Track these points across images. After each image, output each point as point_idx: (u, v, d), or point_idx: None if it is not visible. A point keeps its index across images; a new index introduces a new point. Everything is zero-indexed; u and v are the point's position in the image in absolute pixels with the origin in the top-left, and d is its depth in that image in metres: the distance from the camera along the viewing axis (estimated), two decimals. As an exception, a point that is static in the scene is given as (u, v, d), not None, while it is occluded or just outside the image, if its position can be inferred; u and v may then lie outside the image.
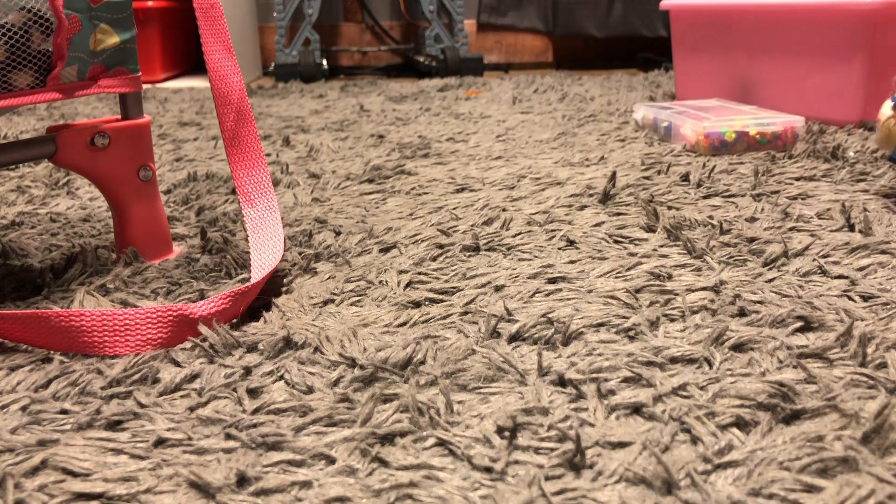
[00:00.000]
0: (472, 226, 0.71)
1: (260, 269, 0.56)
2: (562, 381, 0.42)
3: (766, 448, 0.35)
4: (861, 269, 0.57)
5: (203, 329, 0.48)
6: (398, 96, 1.63)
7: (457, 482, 0.34)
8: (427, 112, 1.41)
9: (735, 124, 0.99)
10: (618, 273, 0.58)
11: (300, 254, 0.65)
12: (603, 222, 0.70)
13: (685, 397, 0.40)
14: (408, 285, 0.57)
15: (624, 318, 0.50)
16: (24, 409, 0.41)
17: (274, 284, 0.58)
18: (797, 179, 0.84)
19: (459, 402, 0.40)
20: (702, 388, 0.40)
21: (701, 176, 0.86)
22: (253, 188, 0.61)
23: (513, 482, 0.33)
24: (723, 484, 0.33)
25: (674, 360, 0.44)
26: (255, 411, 0.40)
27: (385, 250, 0.66)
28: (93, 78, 0.55)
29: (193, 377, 0.44)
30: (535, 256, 0.63)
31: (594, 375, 0.42)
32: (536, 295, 0.54)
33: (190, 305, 0.49)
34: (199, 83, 1.92)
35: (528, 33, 2.31)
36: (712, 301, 0.52)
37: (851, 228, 0.66)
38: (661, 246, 0.64)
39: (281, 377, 0.44)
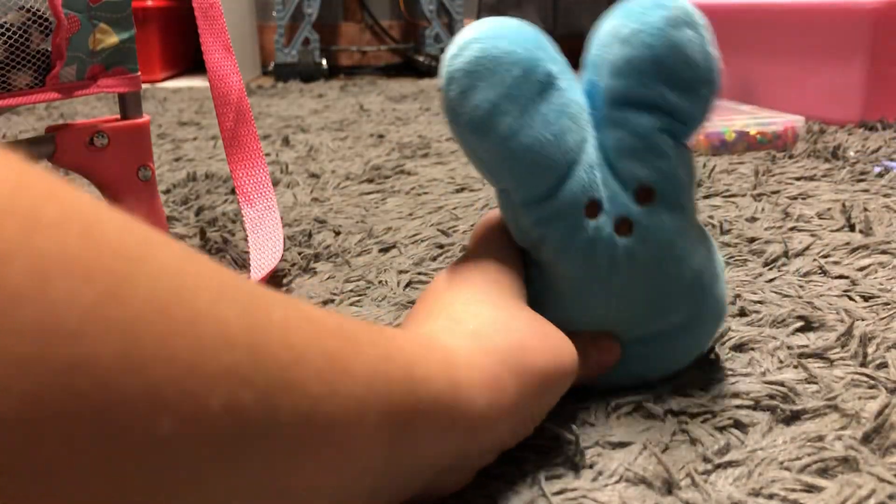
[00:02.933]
0: (472, 226, 0.71)
1: (259, 269, 0.56)
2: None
3: (767, 448, 0.35)
4: (861, 268, 0.57)
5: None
6: (398, 96, 1.63)
7: (456, 482, 0.33)
8: (427, 112, 1.40)
9: (735, 124, 0.99)
10: (618, 273, 0.58)
11: (300, 254, 0.65)
12: (603, 222, 0.70)
13: (685, 396, 0.40)
14: (408, 285, 0.57)
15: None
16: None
17: (273, 284, 0.58)
18: (797, 179, 0.84)
19: (459, 403, 0.40)
20: (702, 389, 0.40)
21: (701, 176, 0.86)
22: (252, 188, 0.61)
23: (513, 481, 0.33)
24: (723, 484, 0.33)
25: (674, 360, 0.44)
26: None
27: (385, 250, 0.66)
28: (92, 77, 0.55)
29: (193, 377, 0.44)
30: (535, 256, 0.62)
31: (594, 375, 0.42)
32: (536, 295, 0.54)
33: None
34: (198, 83, 1.92)
35: (527, 33, 2.31)
36: (712, 301, 0.52)
37: (852, 228, 0.66)
38: (661, 246, 0.64)
39: (280, 377, 0.43)
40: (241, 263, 0.62)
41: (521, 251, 0.39)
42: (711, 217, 0.70)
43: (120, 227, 0.19)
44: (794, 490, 0.32)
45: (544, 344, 0.33)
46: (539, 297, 0.38)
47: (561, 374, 0.34)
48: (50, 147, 0.56)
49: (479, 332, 0.32)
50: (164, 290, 0.19)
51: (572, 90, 0.36)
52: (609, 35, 0.36)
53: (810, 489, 0.32)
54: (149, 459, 0.18)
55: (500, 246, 0.39)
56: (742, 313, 0.50)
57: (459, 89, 0.34)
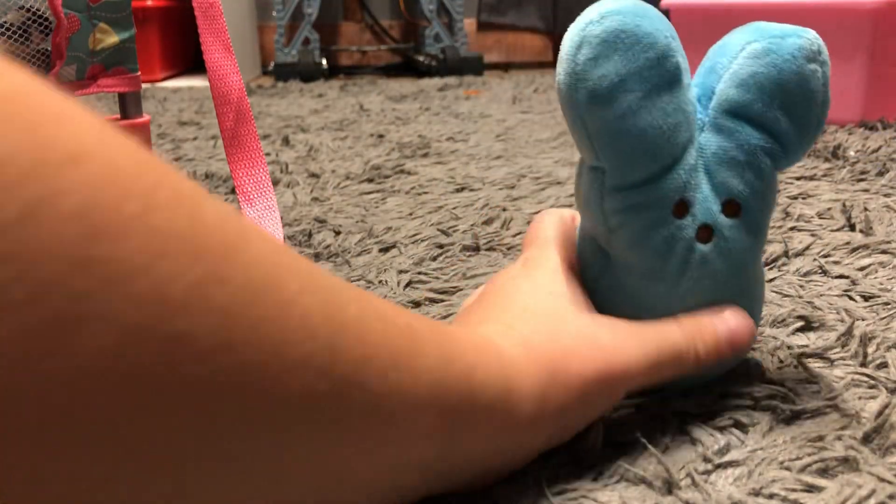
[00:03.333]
0: (472, 225, 0.71)
1: (259, 268, 0.55)
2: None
3: (767, 448, 0.35)
4: (862, 268, 0.57)
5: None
6: (398, 96, 1.63)
7: (457, 482, 0.33)
8: (427, 111, 1.40)
9: (735, 123, 0.99)
10: (618, 272, 0.58)
11: (300, 253, 0.64)
12: (603, 222, 0.70)
13: (686, 396, 0.39)
14: (408, 285, 0.57)
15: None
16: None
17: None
18: (797, 179, 0.84)
19: (459, 402, 0.40)
20: (702, 388, 0.40)
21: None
22: (252, 187, 0.61)
23: (513, 480, 0.33)
24: (723, 484, 0.33)
25: (674, 360, 0.44)
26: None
27: (385, 250, 0.66)
28: (92, 77, 0.55)
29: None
30: (535, 256, 0.62)
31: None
32: (536, 294, 0.54)
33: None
34: (198, 82, 1.92)
35: (528, 32, 2.31)
36: (713, 301, 0.52)
37: (852, 228, 0.66)
38: (662, 245, 0.64)
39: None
40: (241, 263, 0.61)
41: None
42: (711, 217, 0.70)
43: (221, 214, 0.20)
44: (794, 490, 0.32)
45: (593, 352, 0.33)
46: (603, 292, 0.38)
47: (611, 380, 0.33)
48: (50, 147, 0.56)
49: (530, 341, 0.32)
50: (258, 277, 0.20)
51: (691, 90, 0.37)
52: (738, 47, 0.37)
53: (810, 489, 0.32)
54: (235, 433, 0.19)
55: (561, 248, 0.39)
56: (742, 313, 0.50)
57: (591, 55, 0.33)
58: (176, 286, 0.18)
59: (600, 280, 0.38)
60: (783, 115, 0.36)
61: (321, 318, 0.22)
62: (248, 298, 0.19)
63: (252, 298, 0.19)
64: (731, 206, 0.36)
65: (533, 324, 0.34)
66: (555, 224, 0.41)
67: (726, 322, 0.37)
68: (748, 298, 0.39)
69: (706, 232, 0.36)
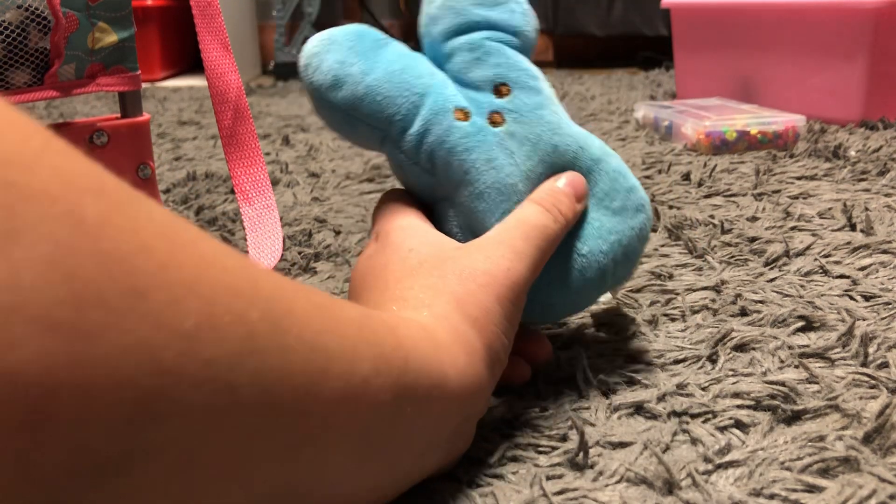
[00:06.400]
0: (471, 225, 0.71)
1: (259, 268, 0.55)
2: (562, 380, 0.42)
3: (768, 448, 0.35)
4: (862, 268, 0.57)
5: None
6: (398, 95, 1.62)
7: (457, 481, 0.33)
8: (427, 111, 1.40)
9: (736, 123, 0.99)
10: (618, 272, 0.58)
11: (300, 253, 0.64)
12: (603, 221, 0.70)
13: (686, 396, 0.39)
14: (407, 284, 0.57)
15: (624, 317, 0.50)
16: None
17: (273, 283, 0.58)
18: (798, 178, 0.83)
19: (459, 402, 0.40)
20: (703, 389, 0.40)
21: (702, 175, 0.85)
22: (251, 187, 0.60)
23: (514, 480, 0.33)
24: (724, 484, 0.33)
25: (675, 361, 0.44)
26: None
27: (384, 249, 0.65)
28: (91, 76, 0.55)
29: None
30: (535, 255, 0.62)
31: (594, 374, 0.42)
32: (536, 294, 0.54)
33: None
34: (198, 82, 1.92)
35: (528, 32, 2.31)
36: (713, 301, 0.52)
37: (853, 228, 0.66)
38: (662, 245, 0.64)
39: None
40: (241, 263, 0.61)
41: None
42: (712, 216, 0.70)
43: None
44: (794, 490, 0.32)
45: (475, 284, 0.34)
46: (466, 229, 0.41)
47: (512, 295, 0.34)
48: (49, 146, 0.56)
49: (430, 303, 0.33)
50: (159, 218, 0.21)
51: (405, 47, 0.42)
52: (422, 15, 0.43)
53: (811, 489, 0.32)
54: (178, 346, 0.19)
55: (406, 210, 0.40)
56: (743, 313, 0.50)
57: (313, 69, 0.39)
58: (89, 212, 0.18)
59: (456, 229, 0.41)
60: (480, 9, 0.41)
61: (234, 260, 0.22)
62: (157, 230, 0.20)
63: (162, 231, 0.20)
64: (500, 90, 0.40)
65: (419, 287, 0.34)
66: (395, 196, 0.42)
67: (560, 178, 0.40)
68: (571, 137, 0.41)
69: (497, 116, 0.40)
